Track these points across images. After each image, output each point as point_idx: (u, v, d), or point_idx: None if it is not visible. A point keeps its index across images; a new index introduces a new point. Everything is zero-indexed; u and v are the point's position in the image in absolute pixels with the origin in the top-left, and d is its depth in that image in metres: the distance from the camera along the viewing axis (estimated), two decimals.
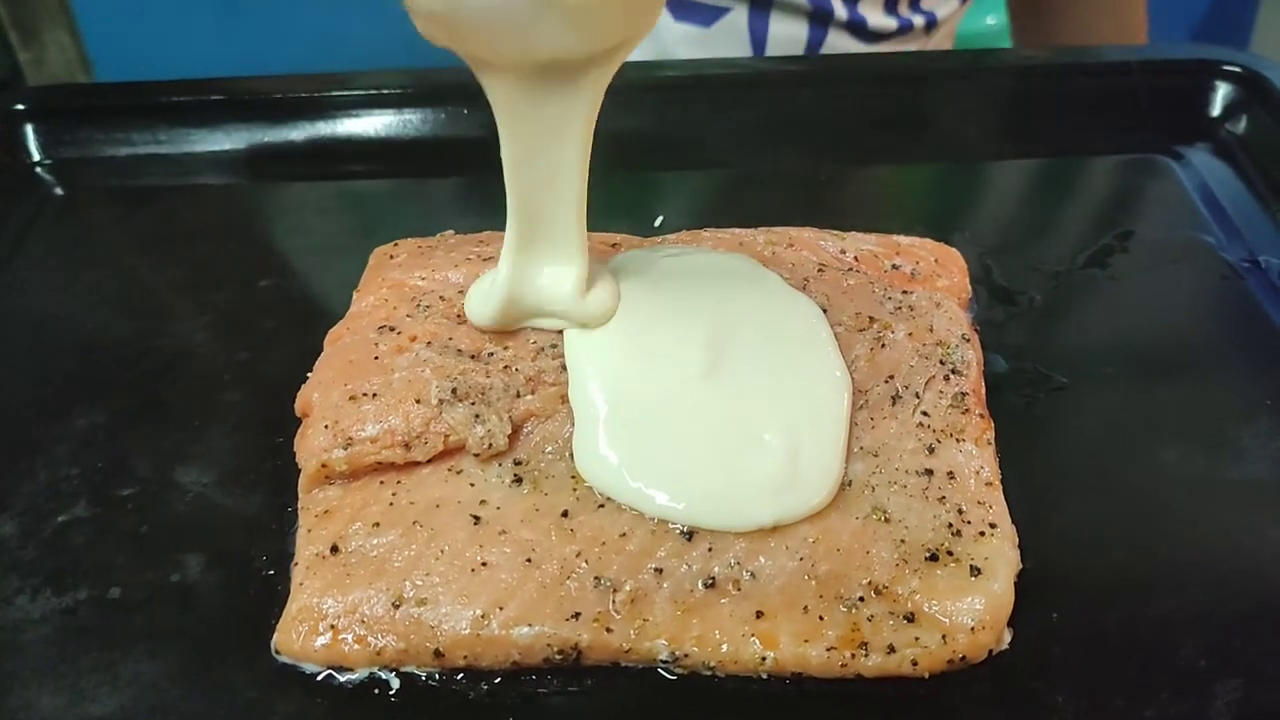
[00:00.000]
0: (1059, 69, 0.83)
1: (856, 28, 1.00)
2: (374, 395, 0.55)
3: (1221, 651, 0.48)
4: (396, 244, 0.67)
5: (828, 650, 0.47)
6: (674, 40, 1.02)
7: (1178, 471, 0.56)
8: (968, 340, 0.59)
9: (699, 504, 0.51)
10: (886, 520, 0.51)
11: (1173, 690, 0.47)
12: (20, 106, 0.83)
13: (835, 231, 0.67)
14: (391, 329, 0.59)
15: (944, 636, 0.48)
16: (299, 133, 0.82)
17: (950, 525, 0.51)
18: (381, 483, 0.54)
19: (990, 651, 0.48)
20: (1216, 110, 0.80)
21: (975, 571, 0.49)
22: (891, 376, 0.57)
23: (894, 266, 0.64)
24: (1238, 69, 0.79)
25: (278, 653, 0.49)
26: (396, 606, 0.49)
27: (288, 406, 0.58)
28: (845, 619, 0.48)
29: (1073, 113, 0.80)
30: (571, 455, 0.54)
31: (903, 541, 0.50)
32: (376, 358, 0.58)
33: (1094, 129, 0.80)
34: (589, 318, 0.57)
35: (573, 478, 0.53)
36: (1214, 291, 0.67)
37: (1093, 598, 0.51)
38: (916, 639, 0.48)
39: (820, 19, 0.99)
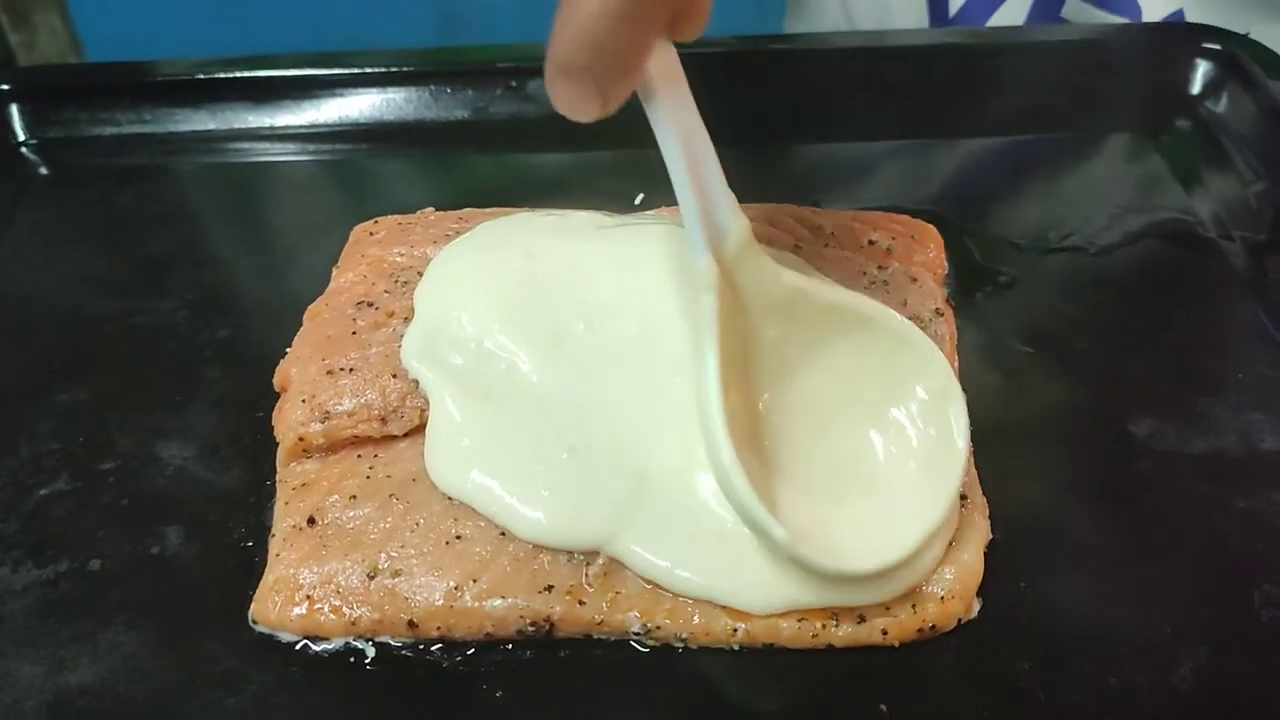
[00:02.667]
0: (1038, 46, 0.83)
1: None
2: (351, 370, 0.56)
3: (1187, 621, 0.49)
4: (377, 221, 0.67)
5: (799, 621, 0.48)
6: None
7: (1148, 444, 0.56)
8: (941, 315, 0.60)
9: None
10: None
11: (1138, 659, 0.48)
12: (5, 87, 0.82)
13: (813, 208, 0.67)
14: (370, 304, 0.60)
15: (914, 606, 0.48)
16: (281, 112, 0.82)
17: None
18: (359, 456, 0.54)
19: (959, 620, 0.49)
20: (1196, 88, 0.80)
21: None
22: None
23: (871, 242, 0.64)
24: (1217, 47, 0.79)
25: (255, 623, 0.50)
26: (371, 578, 0.49)
27: (267, 382, 0.58)
28: None
29: (1051, 90, 0.80)
30: None
31: None
32: (354, 333, 0.58)
33: (1072, 106, 0.80)
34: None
35: None
36: (1189, 268, 0.68)
37: (1061, 568, 0.51)
38: (886, 609, 0.48)
39: None
